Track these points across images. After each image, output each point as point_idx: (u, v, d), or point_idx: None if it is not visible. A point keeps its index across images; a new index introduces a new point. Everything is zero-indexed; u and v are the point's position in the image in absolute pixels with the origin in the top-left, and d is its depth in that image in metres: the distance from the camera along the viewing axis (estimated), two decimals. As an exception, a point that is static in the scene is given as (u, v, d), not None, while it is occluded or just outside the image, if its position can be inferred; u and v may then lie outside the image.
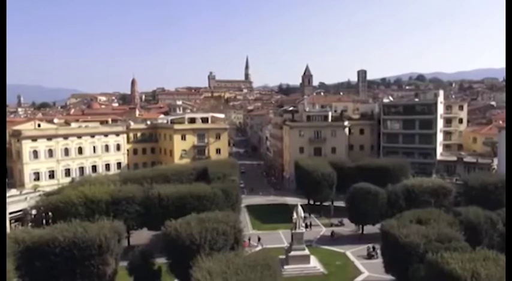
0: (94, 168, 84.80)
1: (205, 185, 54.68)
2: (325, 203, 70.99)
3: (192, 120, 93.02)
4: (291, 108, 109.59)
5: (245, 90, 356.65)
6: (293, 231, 47.44)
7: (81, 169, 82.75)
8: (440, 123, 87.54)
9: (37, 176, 76.04)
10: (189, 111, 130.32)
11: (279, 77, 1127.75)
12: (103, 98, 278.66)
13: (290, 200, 79.27)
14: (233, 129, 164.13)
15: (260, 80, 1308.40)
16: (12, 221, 53.85)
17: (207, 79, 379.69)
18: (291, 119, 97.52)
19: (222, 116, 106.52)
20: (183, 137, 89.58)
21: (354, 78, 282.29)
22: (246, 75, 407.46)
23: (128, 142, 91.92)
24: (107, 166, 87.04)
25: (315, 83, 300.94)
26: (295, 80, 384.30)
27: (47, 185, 72.80)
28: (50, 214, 48.75)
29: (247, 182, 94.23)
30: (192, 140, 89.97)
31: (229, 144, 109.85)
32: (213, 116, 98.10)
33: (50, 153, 78.27)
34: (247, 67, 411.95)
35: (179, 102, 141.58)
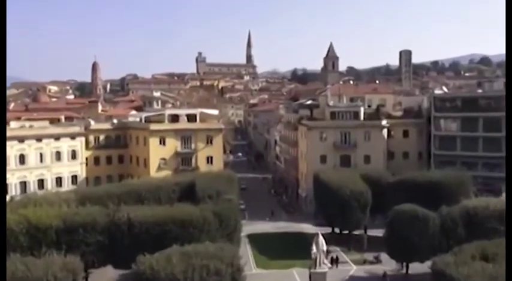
0: (41, 183, 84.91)
1: (192, 207, 54.52)
2: (356, 232, 70.80)
3: (175, 119, 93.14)
4: (309, 102, 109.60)
5: (247, 78, 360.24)
6: (312, 270, 47.20)
7: (23, 185, 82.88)
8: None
9: (-37, 194, 75.80)
10: (170, 105, 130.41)
11: (292, 59, 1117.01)
12: (54, 88, 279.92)
13: (308, 227, 79.06)
14: (230, 131, 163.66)
15: (267, 63, 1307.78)
16: None
17: (194, 62, 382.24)
18: (309, 116, 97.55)
19: (215, 112, 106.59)
20: (162, 141, 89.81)
21: (394, 61, 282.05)
22: (248, 58, 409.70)
23: (88, 147, 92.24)
24: (59, 181, 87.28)
25: (342, 67, 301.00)
26: (315, 64, 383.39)
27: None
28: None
29: (249, 203, 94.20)
30: (174, 145, 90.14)
31: (224, 150, 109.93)
32: (202, 112, 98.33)
33: (-19, 163, 78.33)
34: (249, 46, 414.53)
35: (157, 94, 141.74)
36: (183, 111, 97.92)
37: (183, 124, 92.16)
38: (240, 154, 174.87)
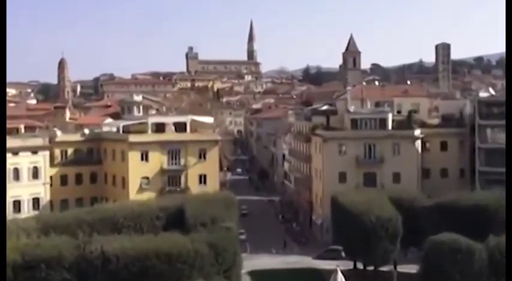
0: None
1: (181, 237, 54.28)
2: (384, 269, 70.21)
3: (160, 128, 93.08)
4: (324, 108, 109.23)
5: (248, 78, 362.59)
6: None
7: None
8: None
9: None
10: (154, 112, 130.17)
11: (303, 55, 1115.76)
12: (12, 91, 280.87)
13: (324, 262, 78.46)
14: (228, 143, 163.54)
15: (273, 60, 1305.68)
16: None
17: (184, 59, 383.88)
18: (325, 125, 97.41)
19: (209, 120, 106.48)
20: (145, 156, 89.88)
21: (429, 57, 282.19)
22: (250, 53, 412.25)
23: (52, 163, 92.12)
24: (16, 205, 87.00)
25: (365, 65, 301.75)
26: (332, 61, 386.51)
27: None
28: None
29: (251, 232, 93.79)
30: (159, 160, 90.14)
31: (221, 167, 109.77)
32: (194, 120, 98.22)
33: None
34: (251, 39, 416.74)
35: (138, 98, 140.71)
36: (170, 119, 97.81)
37: (170, 135, 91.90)
38: (239, 171, 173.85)
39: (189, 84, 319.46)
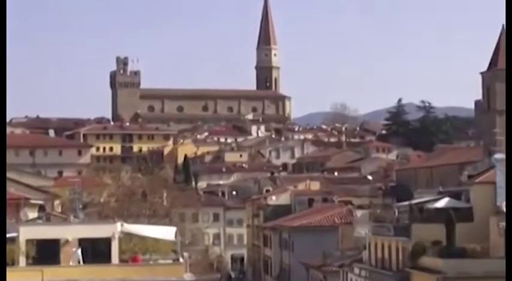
0: None
1: None
2: None
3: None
4: (442, 204, 52.11)
5: (259, 131, 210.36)
6: None
7: None
8: None
9: None
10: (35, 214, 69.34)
11: (393, 88, 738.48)
12: None
13: None
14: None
15: (318, 92, 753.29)
16: None
17: (106, 88, 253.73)
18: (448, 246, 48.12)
19: (166, 233, 52.27)
20: None
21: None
22: (261, 77, 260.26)
23: None
24: None
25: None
26: (461, 98, 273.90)
27: None
28: None
29: None
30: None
31: None
32: (128, 233, 47.71)
33: None
34: (266, 44, 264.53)
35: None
36: (71, 234, 45.53)
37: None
38: None
39: (119, 149, 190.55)
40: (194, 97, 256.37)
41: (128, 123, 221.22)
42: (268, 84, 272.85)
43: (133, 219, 68.34)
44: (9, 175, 58.37)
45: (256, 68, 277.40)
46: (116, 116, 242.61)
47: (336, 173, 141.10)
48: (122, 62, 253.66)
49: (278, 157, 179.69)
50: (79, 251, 41.29)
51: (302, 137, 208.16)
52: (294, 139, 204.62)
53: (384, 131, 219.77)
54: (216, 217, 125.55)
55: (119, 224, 45.96)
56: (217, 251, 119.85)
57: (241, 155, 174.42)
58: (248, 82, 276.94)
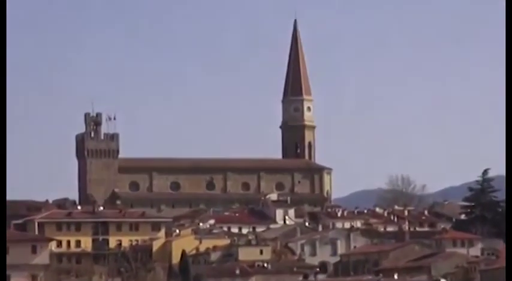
0: None
1: None
2: None
3: None
4: None
5: (291, 220, 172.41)
6: None
7: None
8: None
9: None
10: None
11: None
12: None
13: None
14: None
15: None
16: None
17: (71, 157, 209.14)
18: None
19: None
20: None
21: None
22: (296, 149, 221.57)
23: None
24: None
25: None
26: None
27: None
28: None
29: None
30: None
31: None
32: None
33: None
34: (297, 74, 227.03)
35: None
36: None
37: None
38: None
39: (89, 243, 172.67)
40: (195, 170, 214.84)
41: (101, 208, 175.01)
42: (299, 150, 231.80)
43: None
44: None
45: (282, 127, 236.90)
46: (84, 198, 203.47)
47: (395, 276, 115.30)
48: (93, 121, 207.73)
49: (314, 253, 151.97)
50: None
51: (347, 225, 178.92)
52: (336, 228, 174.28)
53: (463, 216, 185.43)
54: None
55: None
56: None
57: (261, 251, 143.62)
58: (270, 148, 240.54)
